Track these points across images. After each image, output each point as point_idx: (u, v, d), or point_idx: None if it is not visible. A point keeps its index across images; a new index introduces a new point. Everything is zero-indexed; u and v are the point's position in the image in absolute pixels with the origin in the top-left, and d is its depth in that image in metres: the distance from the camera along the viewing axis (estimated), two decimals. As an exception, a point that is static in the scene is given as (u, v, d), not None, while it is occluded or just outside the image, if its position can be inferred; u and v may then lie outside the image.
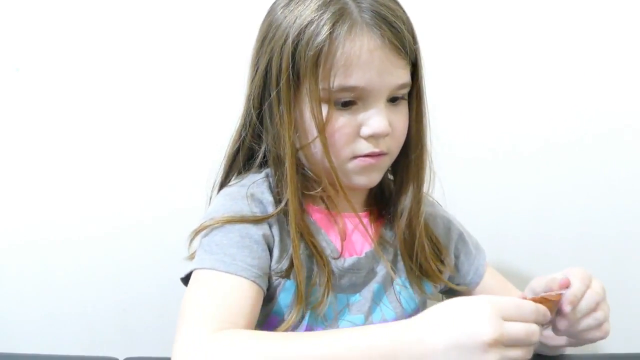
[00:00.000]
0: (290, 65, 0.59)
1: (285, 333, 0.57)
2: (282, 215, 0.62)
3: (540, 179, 0.96)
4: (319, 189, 0.63)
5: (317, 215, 0.64)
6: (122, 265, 0.94)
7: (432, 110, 0.73)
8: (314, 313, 0.61)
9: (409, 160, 0.65)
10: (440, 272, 0.68)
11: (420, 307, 0.68)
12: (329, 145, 0.59)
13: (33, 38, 0.88)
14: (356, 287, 0.64)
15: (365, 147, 0.60)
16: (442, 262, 0.69)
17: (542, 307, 0.46)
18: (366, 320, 0.63)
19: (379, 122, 0.59)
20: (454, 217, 0.75)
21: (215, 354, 0.48)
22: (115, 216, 0.94)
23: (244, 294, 0.56)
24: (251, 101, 0.64)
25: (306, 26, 0.58)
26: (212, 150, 0.68)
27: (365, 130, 0.59)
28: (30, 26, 0.88)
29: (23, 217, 0.94)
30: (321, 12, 0.58)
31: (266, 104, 0.62)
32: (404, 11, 0.61)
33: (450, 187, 0.73)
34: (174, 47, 0.88)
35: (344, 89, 0.57)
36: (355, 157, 0.60)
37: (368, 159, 0.60)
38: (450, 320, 0.44)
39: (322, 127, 0.59)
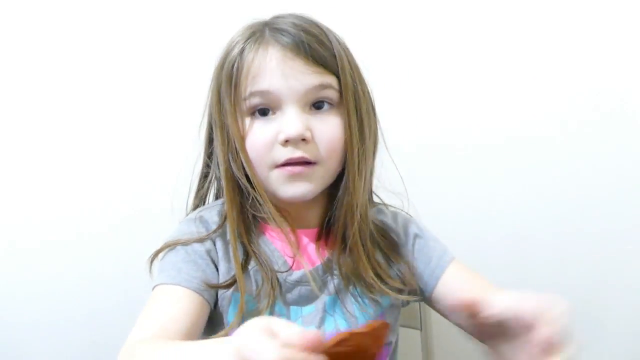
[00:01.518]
0: (216, 86, 0.66)
1: (177, 343, 0.54)
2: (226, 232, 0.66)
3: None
4: (267, 210, 0.65)
5: (271, 233, 0.68)
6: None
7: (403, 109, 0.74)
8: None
9: (345, 171, 0.66)
10: (388, 285, 0.66)
11: (386, 313, 0.69)
12: (251, 157, 0.64)
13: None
14: (309, 300, 0.67)
15: (283, 153, 0.62)
16: (390, 277, 0.67)
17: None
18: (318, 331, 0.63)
19: (291, 125, 0.60)
20: (416, 219, 0.76)
21: None
22: (110, 230, 0.98)
23: (186, 304, 0.61)
24: (206, 133, 0.70)
25: (227, 50, 0.66)
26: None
27: (281, 136, 0.62)
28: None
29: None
30: (239, 36, 0.66)
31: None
32: (323, 30, 0.64)
33: (422, 190, 0.76)
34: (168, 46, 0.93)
35: (254, 94, 0.62)
36: (276, 166, 0.63)
37: (289, 168, 0.62)
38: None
39: (240, 137, 0.63)
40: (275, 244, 0.68)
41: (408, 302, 0.73)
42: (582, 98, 1.03)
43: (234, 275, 0.64)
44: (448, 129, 1.05)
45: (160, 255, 0.66)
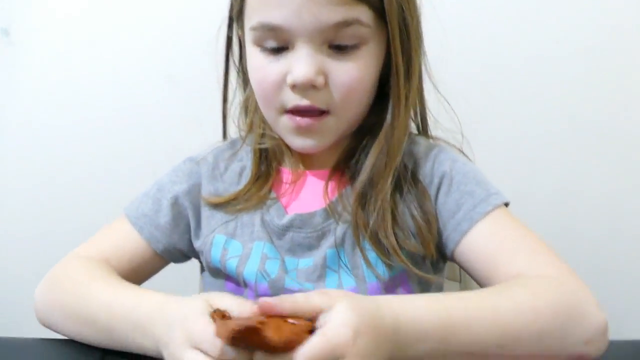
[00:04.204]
0: (232, 18, 0.62)
1: (112, 281, 0.56)
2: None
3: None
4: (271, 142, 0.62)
5: (285, 176, 0.63)
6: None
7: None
8: (246, 265, 0.60)
9: (379, 118, 0.59)
10: (405, 251, 0.58)
11: (407, 274, 0.59)
12: (259, 95, 0.58)
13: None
14: (304, 250, 0.60)
15: (291, 98, 0.56)
16: (407, 237, 0.58)
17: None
18: (316, 288, 0.58)
19: (300, 68, 0.53)
20: (459, 154, 0.64)
21: (52, 274, 0.57)
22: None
23: (130, 245, 0.62)
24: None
25: None
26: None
27: (289, 78, 0.54)
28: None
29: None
30: None
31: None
32: None
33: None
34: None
35: (264, 28, 0.54)
36: (285, 111, 0.56)
37: (297, 119, 0.55)
38: (172, 322, 0.44)
39: (252, 72, 0.58)
40: (282, 185, 0.64)
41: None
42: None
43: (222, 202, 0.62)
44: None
45: None
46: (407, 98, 0.58)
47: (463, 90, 0.70)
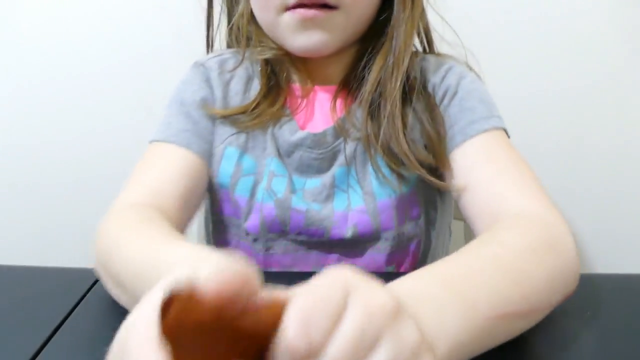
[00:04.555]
0: None
1: (153, 234, 0.45)
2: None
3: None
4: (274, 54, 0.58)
5: (296, 92, 0.60)
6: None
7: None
8: (256, 181, 0.57)
9: (384, 23, 0.57)
10: (420, 160, 0.55)
11: (418, 191, 0.58)
12: None
13: None
14: (312, 170, 0.57)
15: None
16: (419, 149, 0.55)
17: None
18: (323, 209, 0.57)
19: None
20: (468, 71, 0.61)
21: (100, 232, 0.48)
22: (114, 133, 1.01)
23: (178, 162, 0.55)
24: None
25: None
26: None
27: None
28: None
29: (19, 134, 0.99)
30: None
31: None
32: None
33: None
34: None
35: None
36: (287, 8, 0.53)
37: (301, 10, 0.52)
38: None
39: None
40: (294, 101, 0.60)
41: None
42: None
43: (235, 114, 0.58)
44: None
45: None
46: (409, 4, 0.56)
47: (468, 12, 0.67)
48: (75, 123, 1.01)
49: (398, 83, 0.55)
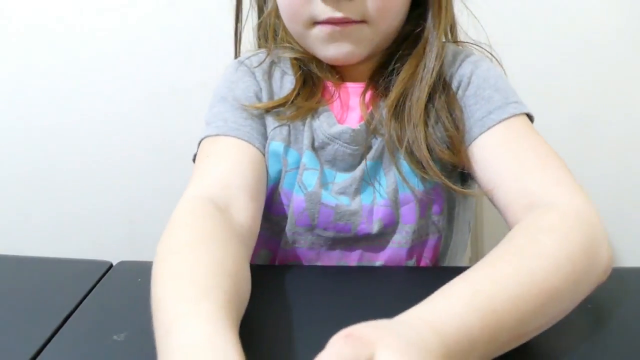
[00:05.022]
0: None
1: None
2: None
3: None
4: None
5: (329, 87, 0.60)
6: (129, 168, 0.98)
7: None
8: (290, 176, 0.57)
9: (415, 28, 0.57)
10: (441, 163, 0.55)
11: (438, 188, 0.57)
12: (287, 8, 0.55)
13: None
14: (345, 164, 0.58)
15: (322, 10, 0.53)
16: (442, 150, 0.54)
17: None
18: (352, 203, 0.57)
19: None
20: (484, 58, 0.60)
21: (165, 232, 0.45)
22: (125, 124, 0.98)
23: (242, 155, 0.54)
24: None
25: None
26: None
27: None
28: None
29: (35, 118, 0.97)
30: None
31: None
32: None
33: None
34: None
35: None
36: (315, 22, 0.53)
37: (329, 26, 0.53)
38: None
39: None
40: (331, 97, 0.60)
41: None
42: None
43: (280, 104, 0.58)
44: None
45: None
46: (446, 4, 0.57)
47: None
48: (92, 110, 1.00)
49: (425, 93, 0.55)
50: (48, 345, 0.43)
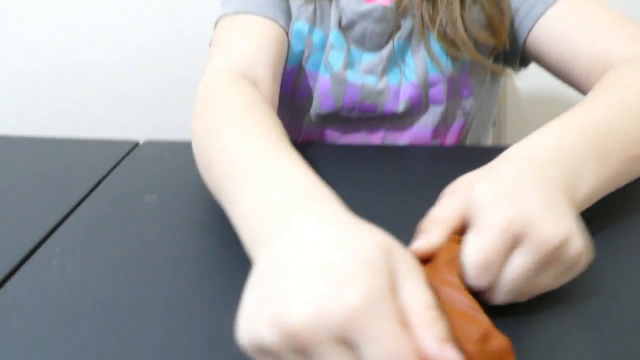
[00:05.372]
0: None
1: (252, 136, 0.38)
2: None
3: None
4: None
5: None
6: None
7: None
8: (315, 57, 0.56)
9: None
10: (479, 42, 0.53)
11: (470, 71, 0.56)
12: None
13: None
14: (373, 44, 0.56)
15: None
16: (479, 27, 0.53)
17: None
18: (379, 82, 0.56)
19: None
20: None
21: (201, 104, 0.44)
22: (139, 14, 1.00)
23: (264, 32, 0.52)
24: None
25: None
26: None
27: None
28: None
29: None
30: None
31: None
32: None
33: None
34: None
35: None
36: None
37: None
38: (318, 255, 0.25)
39: None
40: None
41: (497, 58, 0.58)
42: None
43: None
44: None
45: None
46: None
47: None
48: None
49: None
50: (80, 206, 0.45)
